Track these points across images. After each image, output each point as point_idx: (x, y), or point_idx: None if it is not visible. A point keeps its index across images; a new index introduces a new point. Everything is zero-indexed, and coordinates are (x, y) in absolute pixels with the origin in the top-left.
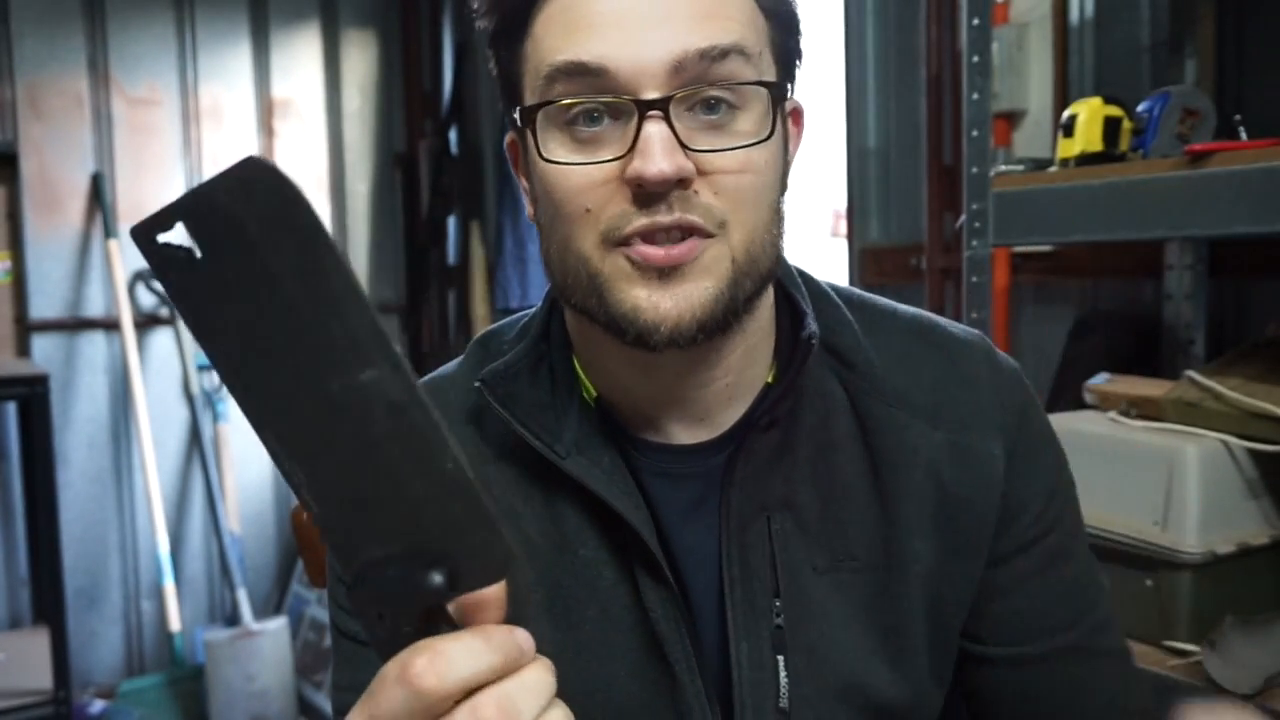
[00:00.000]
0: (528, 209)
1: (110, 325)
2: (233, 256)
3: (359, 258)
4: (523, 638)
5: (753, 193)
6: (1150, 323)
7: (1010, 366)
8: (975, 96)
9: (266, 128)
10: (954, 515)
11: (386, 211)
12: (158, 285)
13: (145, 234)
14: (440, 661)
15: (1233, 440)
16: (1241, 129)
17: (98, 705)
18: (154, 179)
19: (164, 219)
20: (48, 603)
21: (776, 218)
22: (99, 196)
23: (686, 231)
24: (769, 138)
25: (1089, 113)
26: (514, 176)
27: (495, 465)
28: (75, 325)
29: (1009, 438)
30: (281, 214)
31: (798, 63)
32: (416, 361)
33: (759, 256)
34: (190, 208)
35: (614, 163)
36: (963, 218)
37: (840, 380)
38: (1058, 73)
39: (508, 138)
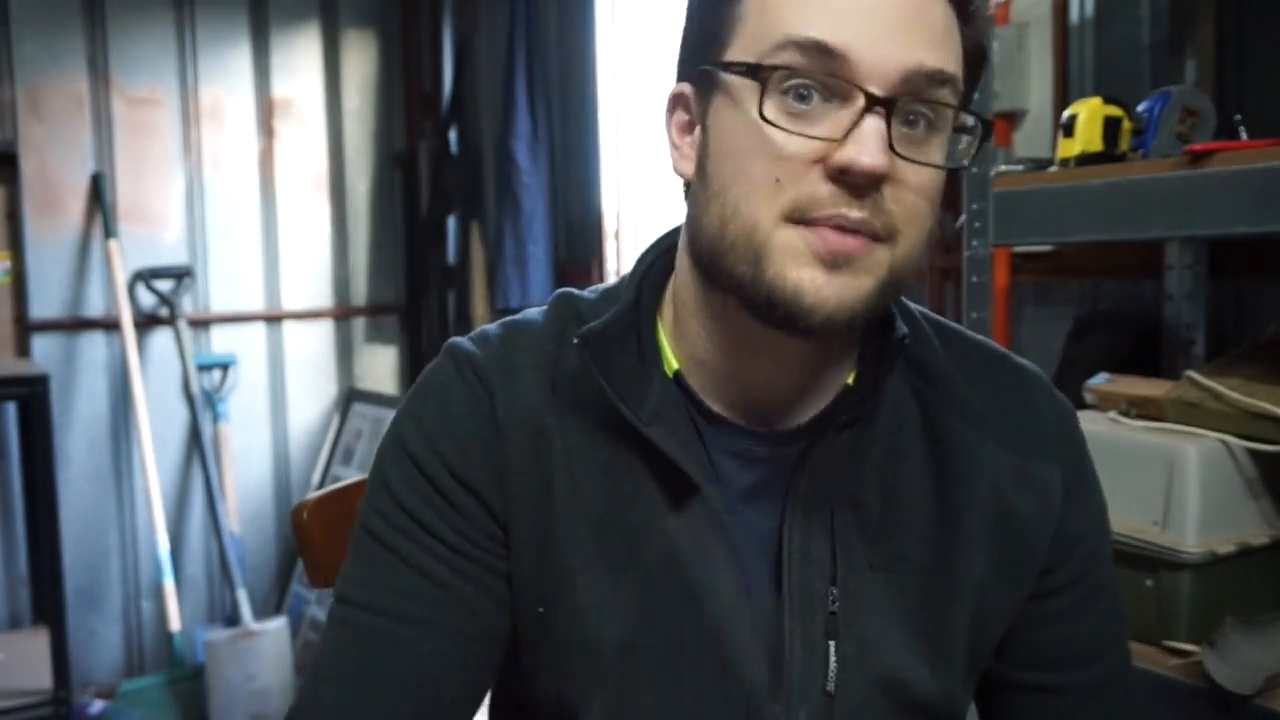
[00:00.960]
0: (677, 165)
1: (110, 325)
2: None
3: (359, 258)
4: None
5: (925, 212)
6: (1150, 323)
7: (1068, 404)
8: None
9: (266, 128)
10: (1010, 534)
11: (386, 211)
12: (158, 284)
13: None
14: None
15: (1233, 440)
16: (1241, 129)
17: (98, 705)
18: (154, 179)
19: None
20: (48, 603)
21: (930, 241)
22: (99, 197)
23: (867, 234)
24: (969, 166)
25: (1089, 113)
26: (513, 176)
27: (561, 417)
28: (75, 325)
29: (1068, 471)
30: None
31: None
32: (416, 361)
33: (907, 274)
34: None
35: (822, 143)
36: (963, 218)
37: (915, 392)
38: (1058, 73)
39: (676, 88)
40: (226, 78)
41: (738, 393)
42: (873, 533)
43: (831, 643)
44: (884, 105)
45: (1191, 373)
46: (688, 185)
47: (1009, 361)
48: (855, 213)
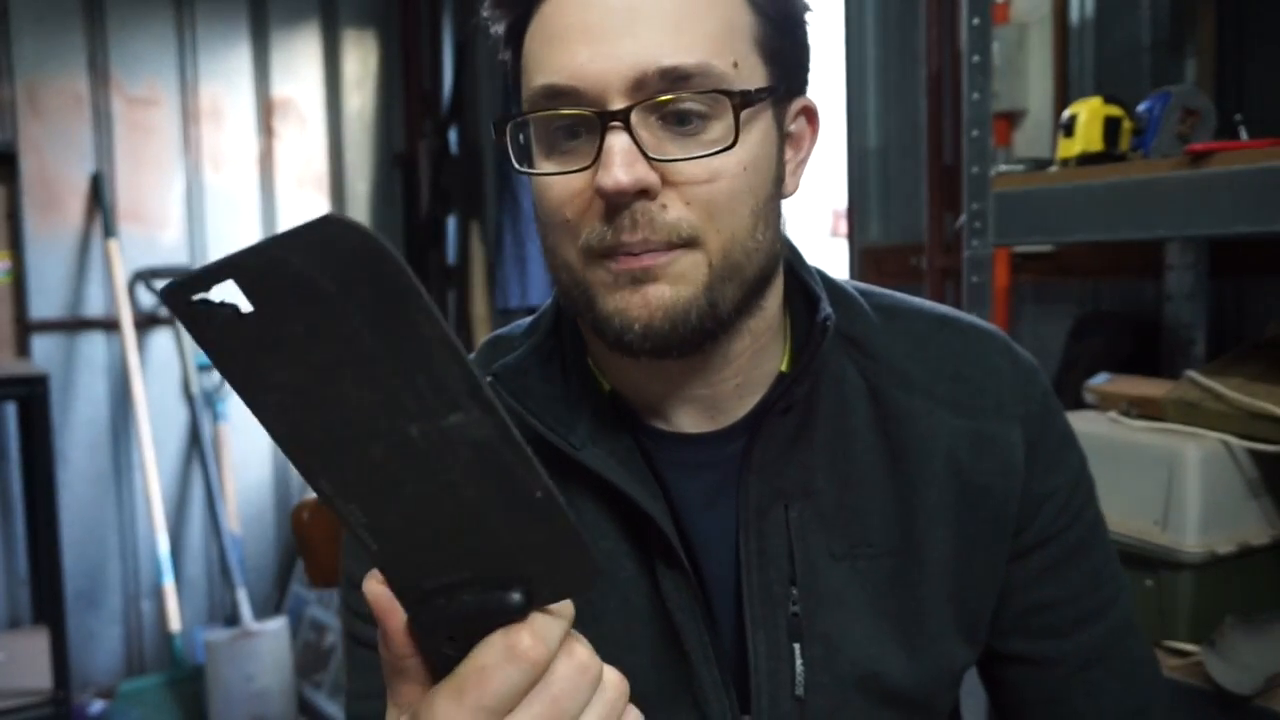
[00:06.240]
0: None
1: (110, 325)
2: (298, 313)
3: None
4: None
5: (726, 200)
6: (1150, 323)
7: (1029, 360)
8: (975, 96)
9: (266, 128)
10: (974, 503)
11: (386, 211)
12: (158, 285)
13: (182, 293)
14: (542, 634)
15: (1233, 440)
16: (1242, 129)
17: (97, 705)
18: (154, 179)
19: (209, 277)
20: (47, 603)
21: (760, 222)
22: (99, 196)
23: (659, 247)
24: (731, 146)
25: (1089, 113)
26: (513, 176)
27: None
28: (75, 325)
29: (1030, 429)
30: (365, 272)
31: (804, 59)
32: None
33: (741, 261)
34: (247, 266)
35: (584, 173)
36: (963, 218)
37: (859, 369)
38: (1058, 73)
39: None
40: (226, 77)
41: (665, 404)
42: (830, 520)
43: (796, 645)
44: (618, 118)
45: (1191, 373)
46: None
47: (961, 323)
48: (630, 236)
